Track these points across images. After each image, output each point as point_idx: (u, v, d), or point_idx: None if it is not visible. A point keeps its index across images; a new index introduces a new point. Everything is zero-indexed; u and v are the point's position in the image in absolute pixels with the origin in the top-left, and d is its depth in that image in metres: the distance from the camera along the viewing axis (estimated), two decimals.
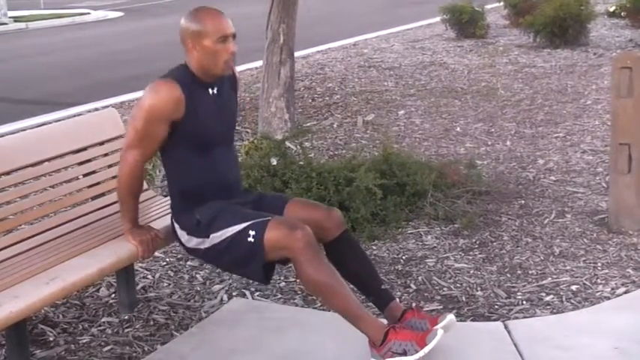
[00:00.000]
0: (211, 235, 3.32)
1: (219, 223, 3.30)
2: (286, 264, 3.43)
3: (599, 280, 4.15)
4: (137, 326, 3.82)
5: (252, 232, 3.23)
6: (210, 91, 3.40)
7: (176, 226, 3.47)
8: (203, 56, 3.32)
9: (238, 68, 11.60)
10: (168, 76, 3.33)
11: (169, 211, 3.62)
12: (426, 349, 3.10)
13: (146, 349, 3.61)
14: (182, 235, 3.44)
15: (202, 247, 3.37)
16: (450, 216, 5.01)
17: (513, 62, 10.68)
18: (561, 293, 4.03)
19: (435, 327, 3.19)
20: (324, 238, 3.45)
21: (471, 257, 4.50)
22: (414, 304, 3.88)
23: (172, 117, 3.27)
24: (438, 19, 13.77)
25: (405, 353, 3.12)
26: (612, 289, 4.06)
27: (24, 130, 3.96)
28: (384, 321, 3.38)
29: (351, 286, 3.45)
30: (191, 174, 3.38)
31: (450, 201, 5.20)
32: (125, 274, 3.88)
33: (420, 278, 4.26)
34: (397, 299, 3.54)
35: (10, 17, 21.03)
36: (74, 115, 7.55)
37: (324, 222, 3.44)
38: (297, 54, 8.04)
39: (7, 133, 6.83)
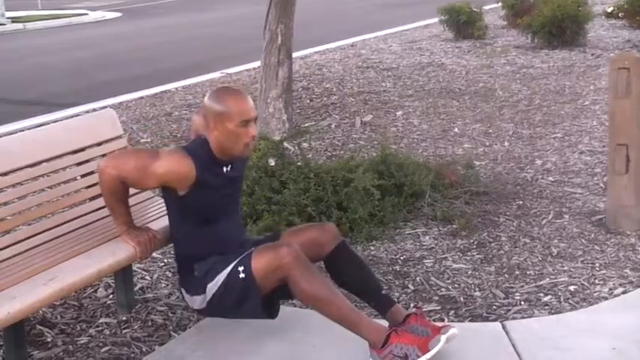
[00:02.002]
0: (207, 287, 3.35)
1: (212, 273, 3.35)
2: (290, 298, 3.43)
3: (597, 281, 4.16)
4: (135, 327, 3.82)
5: (241, 268, 3.27)
6: (225, 169, 3.41)
7: (182, 291, 3.52)
8: (224, 138, 3.31)
9: (237, 69, 11.57)
10: (189, 151, 3.32)
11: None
12: (428, 355, 3.11)
13: (144, 349, 3.60)
14: (187, 297, 3.48)
15: (206, 302, 3.39)
16: (448, 216, 5.01)
17: (511, 63, 10.68)
18: (559, 294, 4.03)
19: (438, 335, 3.19)
20: (322, 253, 3.49)
21: (469, 258, 4.51)
22: (412, 305, 3.88)
23: (170, 185, 3.31)
24: (436, 19, 13.76)
25: (406, 357, 3.12)
26: (610, 289, 4.06)
27: (22, 130, 3.96)
28: (384, 322, 3.39)
29: (352, 294, 3.49)
30: (194, 241, 3.42)
31: (448, 201, 5.21)
32: (123, 274, 3.87)
33: (418, 279, 4.26)
34: (398, 304, 3.53)
35: (7, 18, 20.99)
36: (72, 116, 7.54)
37: (319, 238, 3.48)
38: (295, 55, 8.04)
39: (5, 133, 6.83)
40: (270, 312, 3.39)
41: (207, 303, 3.38)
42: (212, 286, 3.33)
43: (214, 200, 3.37)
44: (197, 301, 3.42)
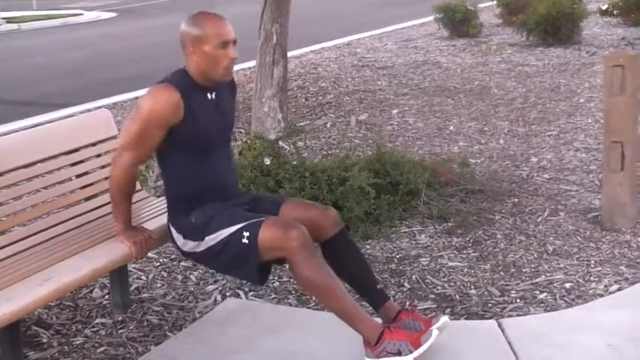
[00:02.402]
0: (206, 238, 3.32)
1: (214, 226, 3.30)
2: (282, 264, 3.43)
3: (592, 278, 4.16)
4: (131, 327, 3.82)
5: (246, 233, 3.23)
6: (209, 95, 3.40)
7: (172, 229, 3.46)
8: (203, 61, 3.30)
9: None
10: (166, 81, 3.32)
11: (163, 211, 3.62)
12: (421, 350, 3.11)
13: (140, 350, 3.60)
14: (178, 238, 3.44)
15: (198, 250, 3.36)
16: (444, 215, 5.01)
17: (506, 61, 10.69)
18: (555, 291, 4.04)
19: (430, 328, 3.19)
20: (321, 237, 3.45)
21: (464, 256, 4.51)
22: (407, 303, 3.88)
23: (170, 122, 3.26)
24: (430, 18, 13.77)
25: (399, 353, 3.12)
26: (605, 286, 4.07)
27: (16, 131, 3.95)
28: (379, 320, 3.39)
29: (346, 285, 3.46)
30: (188, 178, 3.38)
31: (444, 200, 5.21)
32: (118, 275, 3.87)
33: (413, 277, 4.27)
34: (392, 299, 3.54)
35: (2, 18, 20.96)
36: (67, 117, 7.52)
37: (320, 221, 3.44)
38: (290, 54, 8.03)
39: (0, 134, 6.82)
40: (262, 278, 3.37)
41: (201, 252, 3.35)
42: (211, 239, 3.30)
43: (205, 127, 3.32)
44: (189, 245, 3.38)
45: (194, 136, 3.31)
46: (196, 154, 3.36)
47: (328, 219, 3.47)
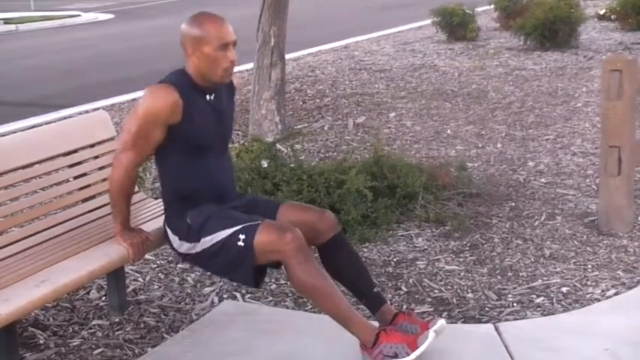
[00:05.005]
0: (202, 240, 3.31)
1: (209, 228, 3.29)
2: (278, 267, 3.43)
3: (589, 282, 4.17)
4: (128, 329, 3.82)
5: (242, 236, 3.23)
6: (208, 97, 3.38)
7: (168, 230, 3.46)
8: (202, 63, 3.29)
9: None
10: (165, 81, 3.30)
11: (160, 213, 3.62)
12: (417, 352, 3.11)
13: (137, 351, 3.60)
14: (174, 239, 3.43)
15: (193, 251, 3.36)
16: (441, 218, 5.02)
17: (504, 65, 10.70)
18: (552, 295, 4.04)
19: (427, 330, 3.20)
20: (317, 241, 3.45)
21: (461, 259, 4.51)
22: (404, 307, 3.88)
23: (169, 121, 3.25)
24: (428, 21, 13.79)
25: (396, 356, 3.13)
26: (602, 290, 4.07)
27: (14, 132, 3.96)
28: (375, 323, 3.39)
29: (343, 288, 3.46)
30: (185, 178, 3.37)
31: (441, 203, 5.21)
32: (115, 276, 3.87)
33: (410, 280, 4.27)
34: (389, 302, 3.54)
35: (0, 19, 20.96)
36: (65, 118, 7.54)
37: (316, 224, 3.44)
38: (287, 56, 8.04)
39: None
40: (257, 281, 3.36)
41: (196, 254, 3.34)
42: (207, 241, 3.29)
43: (202, 128, 3.31)
44: (185, 247, 3.37)
45: (191, 136, 3.31)
46: (193, 155, 3.35)
47: (325, 222, 3.46)
